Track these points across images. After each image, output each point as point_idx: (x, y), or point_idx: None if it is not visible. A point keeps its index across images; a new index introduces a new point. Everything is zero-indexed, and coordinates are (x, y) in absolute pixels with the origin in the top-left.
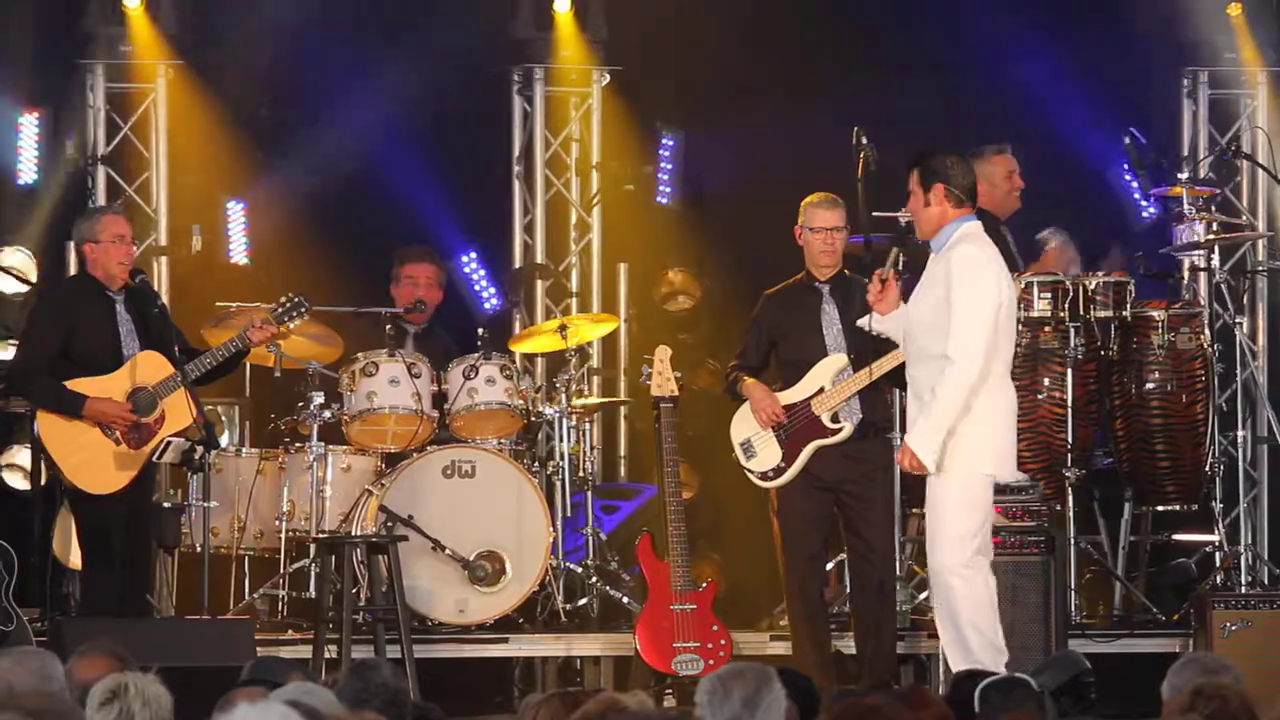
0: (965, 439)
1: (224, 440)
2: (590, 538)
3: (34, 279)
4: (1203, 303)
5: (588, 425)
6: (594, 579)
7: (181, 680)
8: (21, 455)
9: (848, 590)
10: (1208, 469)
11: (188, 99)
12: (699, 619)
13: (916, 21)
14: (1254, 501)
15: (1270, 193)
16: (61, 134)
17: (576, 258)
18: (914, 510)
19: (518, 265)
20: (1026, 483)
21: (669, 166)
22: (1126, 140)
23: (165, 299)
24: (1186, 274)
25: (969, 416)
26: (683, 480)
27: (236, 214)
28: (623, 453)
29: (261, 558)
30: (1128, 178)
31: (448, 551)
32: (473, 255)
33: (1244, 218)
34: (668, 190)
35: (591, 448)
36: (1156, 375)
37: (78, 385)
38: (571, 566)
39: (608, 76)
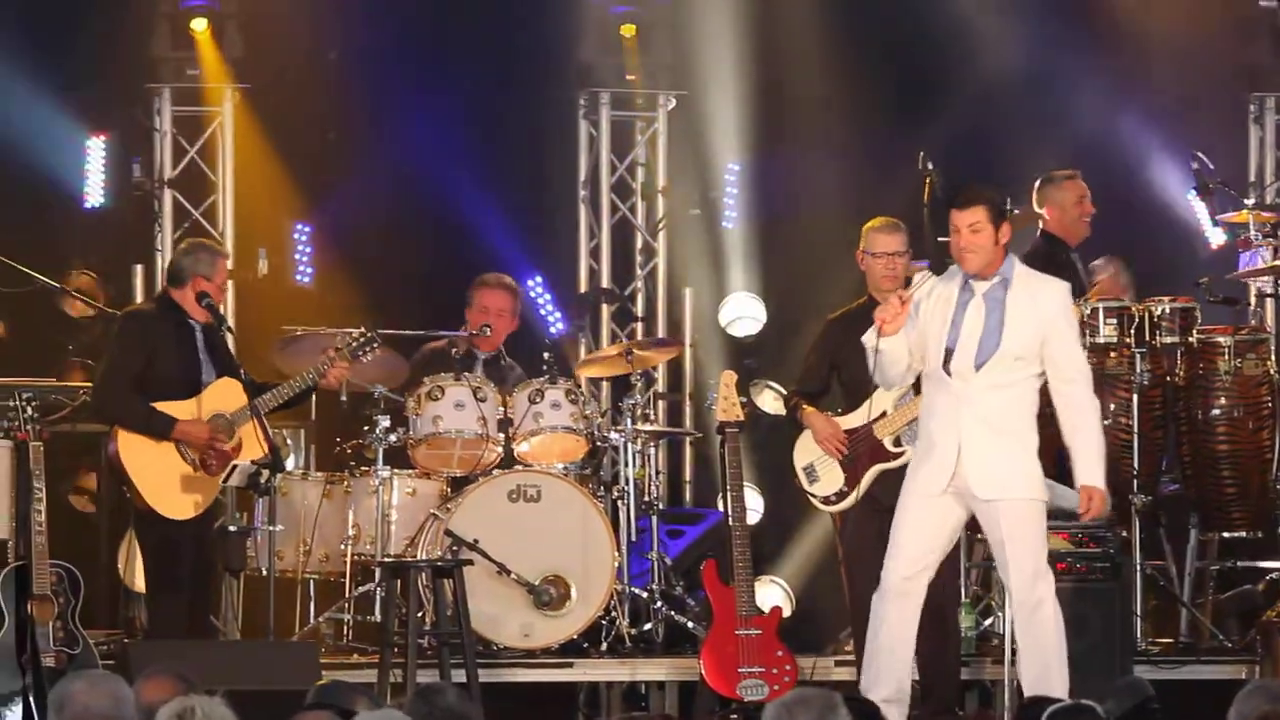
0: (1033, 466)
1: (290, 464)
2: (655, 562)
3: (101, 303)
4: (1269, 328)
5: (653, 449)
6: (659, 604)
7: (247, 704)
8: (88, 478)
9: None
10: (1274, 495)
11: (254, 122)
12: (764, 644)
13: (982, 48)
14: None
15: None
16: (128, 158)
17: (642, 282)
18: (979, 536)
19: (583, 290)
20: None
21: (734, 191)
22: (1193, 165)
23: (231, 322)
24: (1253, 300)
25: (1031, 445)
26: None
27: (303, 237)
28: (688, 477)
29: (327, 581)
30: (1194, 204)
31: (513, 576)
32: (538, 279)
33: None
34: (733, 215)
35: (657, 472)
36: (1223, 401)
37: (163, 409)
38: (636, 591)
39: (674, 101)
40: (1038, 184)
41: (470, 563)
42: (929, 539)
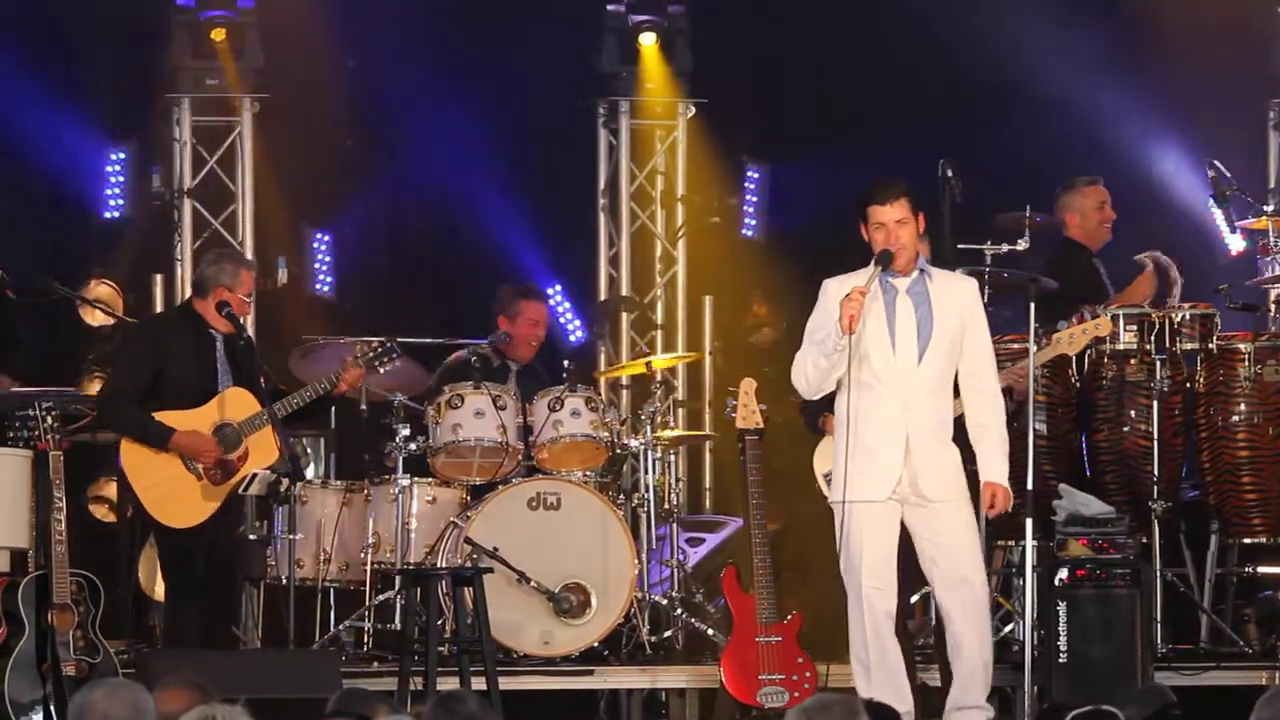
0: (960, 466)
1: (309, 472)
2: (675, 570)
3: (119, 312)
4: None
5: (673, 457)
6: (679, 611)
7: (268, 712)
8: (108, 488)
9: (932, 622)
10: None
11: (273, 132)
12: (784, 651)
13: (1001, 55)
14: None
15: None
16: (148, 168)
17: (661, 290)
18: (999, 542)
19: (603, 298)
20: (1112, 515)
21: (754, 199)
22: (1210, 173)
23: (251, 331)
24: (1273, 306)
25: (952, 444)
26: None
27: (322, 246)
28: (708, 485)
29: (347, 590)
30: (1213, 211)
31: (533, 583)
32: (558, 288)
33: None
34: (752, 223)
35: (677, 480)
36: (1243, 407)
37: (164, 418)
38: (656, 599)
39: (693, 109)
40: (1059, 190)
41: (490, 570)
42: (886, 546)
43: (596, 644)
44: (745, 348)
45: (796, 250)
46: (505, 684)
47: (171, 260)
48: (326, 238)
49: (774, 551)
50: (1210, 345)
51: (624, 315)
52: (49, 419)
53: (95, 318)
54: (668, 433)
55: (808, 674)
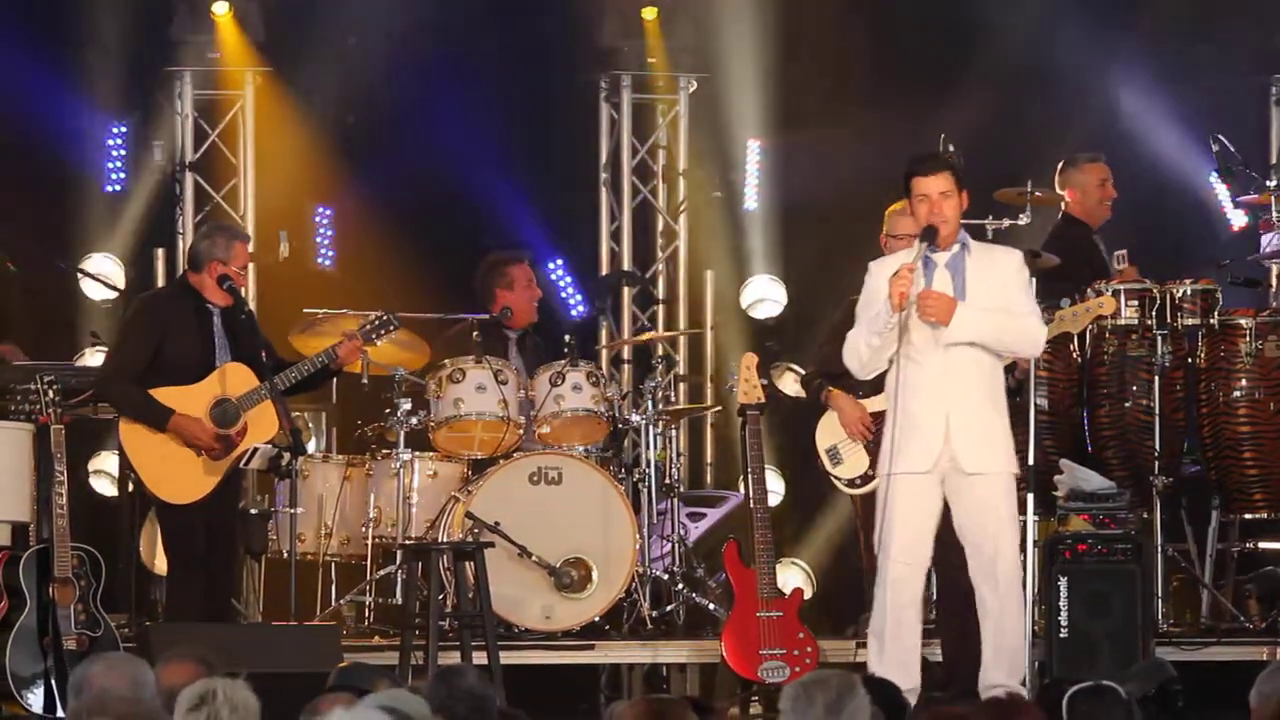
0: (1006, 439)
1: (311, 447)
2: (676, 544)
3: (121, 286)
4: None
5: (674, 432)
6: (680, 586)
7: (268, 686)
8: (109, 462)
9: (934, 598)
10: None
11: (275, 106)
12: (785, 626)
13: (1003, 31)
14: None
15: None
16: (149, 141)
17: (663, 265)
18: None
19: (604, 272)
20: (1113, 490)
21: (756, 173)
22: (1214, 147)
23: (252, 305)
24: (1275, 282)
25: (1006, 419)
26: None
27: (324, 220)
28: (709, 460)
29: (348, 564)
30: (1216, 185)
31: (534, 558)
32: (559, 262)
33: None
34: (754, 197)
35: (678, 454)
36: (1244, 383)
37: (162, 395)
38: (658, 573)
39: (695, 84)
40: (1060, 166)
41: (491, 545)
42: (922, 521)
43: (597, 619)
44: (747, 322)
45: (797, 225)
46: (506, 658)
47: (173, 234)
48: (329, 212)
49: (775, 526)
50: (1212, 320)
51: (625, 290)
52: (50, 393)
53: (97, 291)
54: (668, 407)
55: (809, 649)
